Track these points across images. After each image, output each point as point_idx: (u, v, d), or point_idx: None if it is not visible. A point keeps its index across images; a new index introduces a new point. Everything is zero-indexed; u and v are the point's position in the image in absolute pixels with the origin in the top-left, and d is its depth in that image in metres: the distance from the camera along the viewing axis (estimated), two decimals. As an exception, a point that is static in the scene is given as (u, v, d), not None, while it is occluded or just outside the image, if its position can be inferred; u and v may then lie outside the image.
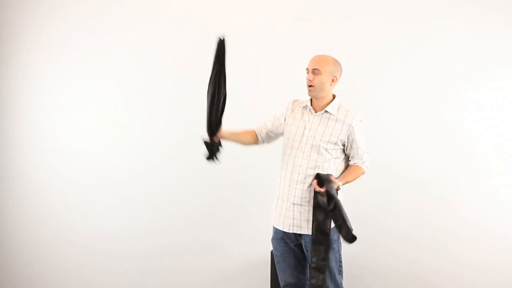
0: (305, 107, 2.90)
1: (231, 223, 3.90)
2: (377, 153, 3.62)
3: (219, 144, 2.85)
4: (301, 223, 2.79)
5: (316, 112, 2.85)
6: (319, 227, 2.69)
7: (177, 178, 3.97)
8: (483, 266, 3.61)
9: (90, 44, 4.02)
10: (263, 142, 3.06)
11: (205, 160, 2.84)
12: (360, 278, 3.70)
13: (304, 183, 2.78)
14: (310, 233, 2.75)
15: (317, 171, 2.77)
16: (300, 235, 2.83)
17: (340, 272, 2.84)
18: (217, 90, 2.76)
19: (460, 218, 3.63)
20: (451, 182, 3.64)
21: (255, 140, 3.04)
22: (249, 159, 3.85)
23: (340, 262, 2.84)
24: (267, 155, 3.76)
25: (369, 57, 3.70)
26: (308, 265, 2.86)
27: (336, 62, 2.81)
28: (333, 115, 2.81)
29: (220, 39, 2.78)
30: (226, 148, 3.89)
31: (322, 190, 2.68)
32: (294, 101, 2.98)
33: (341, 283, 2.83)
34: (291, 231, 2.83)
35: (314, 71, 2.76)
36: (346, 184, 2.82)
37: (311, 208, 2.76)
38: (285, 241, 2.89)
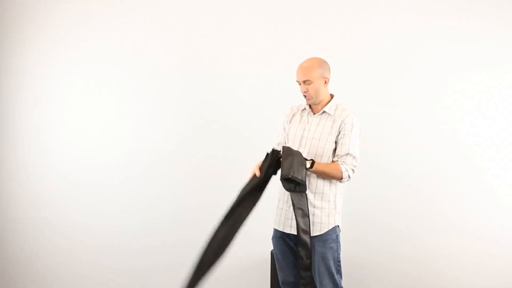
0: (304, 110, 2.92)
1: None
2: (376, 154, 3.65)
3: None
4: None
5: (314, 114, 2.87)
6: (300, 227, 2.66)
7: (177, 177, 3.97)
8: (481, 267, 3.60)
9: (90, 42, 4.02)
10: None
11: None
12: (359, 278, 3.69)
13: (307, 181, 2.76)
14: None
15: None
16: None
17: (339, 272, 2.84)
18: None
19: (459, 217, 3.63)
20: (450, 183, 3.63)
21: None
22: (249, 159, 3.85)
23: (339, 262, 2.84)
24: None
25: (364, 56, 3.69)
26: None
27: (321, 63, 2.81)
28: (331, 115, 2.83)
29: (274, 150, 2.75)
30: (227, 148, 3.92)
31: (258, 174, 2.71)
32: (292, 107, 3.01)
33: (340, 283, 2.83)
34: (291, 232, 2.84)
35: (305, 82, 2.78)
36: (313, 171, 2.72)
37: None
38: (285, 240, 2.90)
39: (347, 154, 2.76)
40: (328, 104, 2.84)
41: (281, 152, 2.68)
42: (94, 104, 4.05)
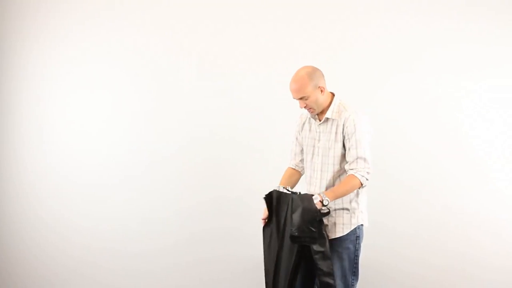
0: (312, 117, 2.82)
1: (231, 223, 3.90)
2: (378, 156, 3.63)
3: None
4: None
5: (320, 121, 2.79)
6: (322, 271, 2.60)
7: (177, 178, 3.96)
8: (490, 265, 3.59)
9: (91, 42, 4.01)
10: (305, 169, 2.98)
11: None
12: (370, 281, 3.66)
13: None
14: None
15: (330, 185, 2.72)
16: None
17: (355, 273, 2.75)
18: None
19: (463, 218, 3.61)
20: (453, 183, 3.62)
21: (300, 174, 2.97)
22: (249, 158, 3.85)
23: (356, 264, 2.75)
24: (267, 155, 3.78)
25: (363, 57, 3.68)
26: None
27: (311, 75, 2.68)
28: (335, 119, 2.73)
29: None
30: (227, 148, 3.92)
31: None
32: (301, 115, 2.93)
33: (353, 285, 2.76)
34: None
35: (302, 99, 2.69)
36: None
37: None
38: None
39: (356, 159, 2.64)
40: (329, 108, 2.74)
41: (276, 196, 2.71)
42: (95, 104, 4.04)
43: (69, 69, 4.05)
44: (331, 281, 2.59)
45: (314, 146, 2.80)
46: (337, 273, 2.71)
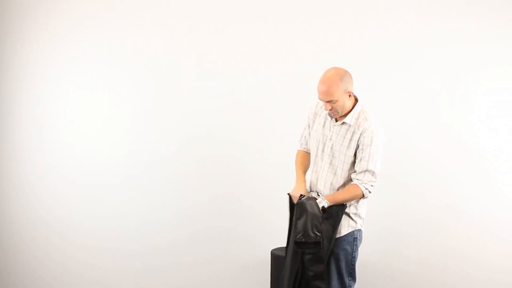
0: (328, 113, 2.75)
1: (231, 223, 3.90)
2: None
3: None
4: None
5: (336, 122, 2.73)
6: (313, 275, 2.61)
7: (176, 178, 3.95)
8: (490, 265, 3.59)
9: (91, 42, 4.00)
10: None
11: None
12: (369, 281, 3.67)
13: (328, 193, 2.73)
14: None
15: (338, 184, 2.71)
16: None
17: (351, 275, 2.75)
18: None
19: (467, 219, 3.61)
20: (455, 184, 3.62)
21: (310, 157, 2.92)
22: (250, 158, 3.85)
23: (353, 265, 2.74)
24: (267, 155, 3.78)
25: (364, 57, 3.68)
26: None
27: (343, 78, 2.60)
28: (352, 125, 2.67)
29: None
30: (227, 149, 3.92)
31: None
32: (318, 103, 2.83)
33: (349, 286, 2.75)
34: None
35: (329, 102, 2.60)
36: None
37: None
38: None
39: (365, 171, 2.62)
40: (350, 114, 2.67)
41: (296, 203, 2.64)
42: (95, 104, 4.03)
43: (69, 69, 4.04)
44: (322, 286, 2.58)
45: (325, 144, 2.74)
46: (334, 274, 2.71)
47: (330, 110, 2.64)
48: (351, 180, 2.70)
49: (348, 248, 2.72)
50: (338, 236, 2.69)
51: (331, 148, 2.72)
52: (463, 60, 3.61)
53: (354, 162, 2.69)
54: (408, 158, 3.66)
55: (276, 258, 3.40)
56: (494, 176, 3.59)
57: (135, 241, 4.00)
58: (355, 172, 2.67)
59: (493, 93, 3.59)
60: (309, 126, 2.89)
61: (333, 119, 2.74)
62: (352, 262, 2.75)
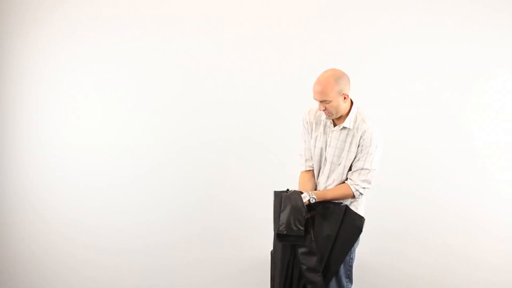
0: (326, 119, 2.76)
1: (231, 223, 3.91)
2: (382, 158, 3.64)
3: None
4: None
5: (335, 127, 2.74)
6: (307, 267, 2.63)
7: (177, 178, 3.97)
8: (491, 265, 3.61)
9: (91, 43, 4.02)
10: None
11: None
12: (368, 281, 3.67)
13: None
14: None
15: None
16: None
17: (348, 276, 2.77)
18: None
19: (466, 218, 3.63)
20: (455, 184, 3.64)
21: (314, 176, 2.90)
22: (249, 159, 3.85)
23: (350, 266, 2.77)
24: (267, 156, 3.78)
25: (364, 58, 3.70)
26: None
27: (339, 80, 2.63)
28: (351, 129, 2.68)
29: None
30: (228, 149, 3.92)
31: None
32: (310, 111, 2.83)
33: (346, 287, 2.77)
34: None
35: (323, 102, 2.62)
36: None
37: None
38: None
39: (360, 170, 2.67)
40: (348, 117, 2.69)
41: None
42: (95, 105, 4.05)
43: (69, 69, 4.06)
44: (316, 278, 2.60)
45: (326, 150, 2.74)
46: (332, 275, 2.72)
47: (324, 110, 2.64)
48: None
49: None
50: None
51: (330, 155, 2.72)
52: (462, 59, 3.63)
53: None
54: (407, 158, 3.67)
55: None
56: (494, 175, 3.60)
57: (136, 241, 4.02)
58: (350, 171, 2.69)
59: (493, 93, 3.60)
60: (306, 139, 2.86)
61: (331, 124, 2.74)
62: (350, 264, 2.77)
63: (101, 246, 4.04)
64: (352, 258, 2.76)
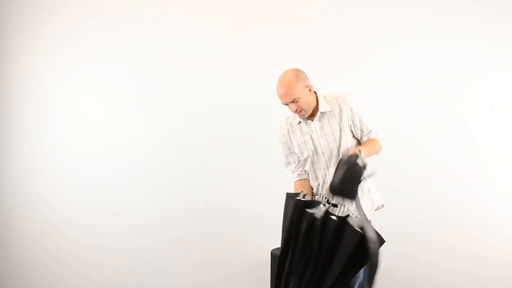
0: (299, 123, 2.77)
1: (231, 223, 3.91)
2: (379, 156, 3.64)
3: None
4: None
5: (313, 120, 2.74)
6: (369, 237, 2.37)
7: (178, 178, 3.98)
8: (491, 262, 3.62)
9: (91, 43, 4.03)
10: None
11: None
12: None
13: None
14: None
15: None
16: None
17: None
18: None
19: (467, 218, 3.64)
20: (455, 183, 3.65)
21: (308, 180, 2.86)
22: (249, 159, 3.85)
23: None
24: (267, 156, 3.78)
25: (364, 57, 3.70)
26: None
27: (297, 76, 2.63)
28: (329, 111, 2.70)
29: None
30: (228, 149, 3.92)
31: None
32: (280, 126, 2.85)
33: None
34: None
35: (293, 101, 2.62)
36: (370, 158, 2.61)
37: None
38: None
39: (368, 134, 2.72)
40: (320, 104, 2.71)
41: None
42: (96, 105, 4.06)
43: (69, 70, 4.06)
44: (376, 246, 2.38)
45: (315, 146, 2.74)
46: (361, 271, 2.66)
47: (296, 110, 2.65)
48: None
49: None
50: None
51: (326, 144, 2.71)
52: (462, 59, 3.63)
53: (354, 138, 2.73)
54: (407, 158, 3.68)
55: (276, 258, 3.38)
56: (495, 175, 3.60)
57: (136, 241, 4.02)
58: (361, 138, 2.71)
59: (495, 93, 3.60)
60: (289, 149, 2.84)
61: (307, 120, 2.73)
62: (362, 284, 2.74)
63: (102, 245, 4.04)
64: (365, 277, 2.72)
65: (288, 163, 2.89)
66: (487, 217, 3.61)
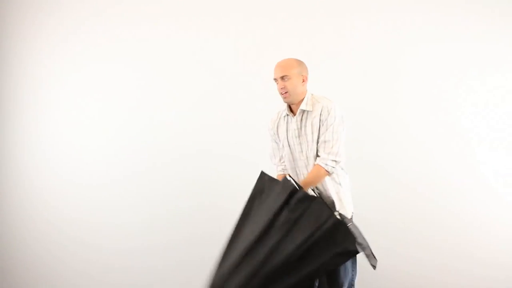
0: (285, 116, 2.85)
1: (231, 224, 3.91)
2: (377, 155, 3.65)
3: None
4: None
5: (294, 116, 2.80)
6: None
7: (178, 178, 4.00)
8: (488, 262, 3.63)
9: (91, 43, 4.04)
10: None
11: None
12: (367, 281, 3.68)
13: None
14: None
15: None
16: None
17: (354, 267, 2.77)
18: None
19: (467, 218, 3.66)
20: (454, 183, 3.67)
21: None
22: (249, 159, 3.86)
23: (352, 285, 2.78)
24: (266, 156, 3.78)
25: (363, 57, 3.72)
26: None
27: (300, 62, 2.77)
28: (311, 111, 2.75)
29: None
30: (228, 149, 3.92)
31: None
32: (271, 120, 2.93)
33: (352, 276, 2.76)
34: None
35: (283, 78, 2.72)
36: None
37: None
38: None
39: (324, 142, 2.69)
40: (303, 101, 2.77)
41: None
42: (96, 105, 4.07)
43: (69, 70, 4.09)
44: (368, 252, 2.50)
45: (295, 144, 2.80)
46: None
47: (282, 89, 2.70)
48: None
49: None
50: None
51: (304, 142, 2.76)
52: (462, 59, 3.65)
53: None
54: (406, 157, 3.69)
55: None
56: (495, 174, 3.61)
57: (136, 240, 4.05)
58: (319, 155, 2.70)
59: (494, 92, 3.60)
60: (276, 142, 2.92)
61: (291, 114, 2.78)
62: (352, 282, 2.79)
63: (102, 245, 4.06)
64: (354, 275, 2.76)
65: (274, 156, 2.96)
66: (487, 217, 3.62)
